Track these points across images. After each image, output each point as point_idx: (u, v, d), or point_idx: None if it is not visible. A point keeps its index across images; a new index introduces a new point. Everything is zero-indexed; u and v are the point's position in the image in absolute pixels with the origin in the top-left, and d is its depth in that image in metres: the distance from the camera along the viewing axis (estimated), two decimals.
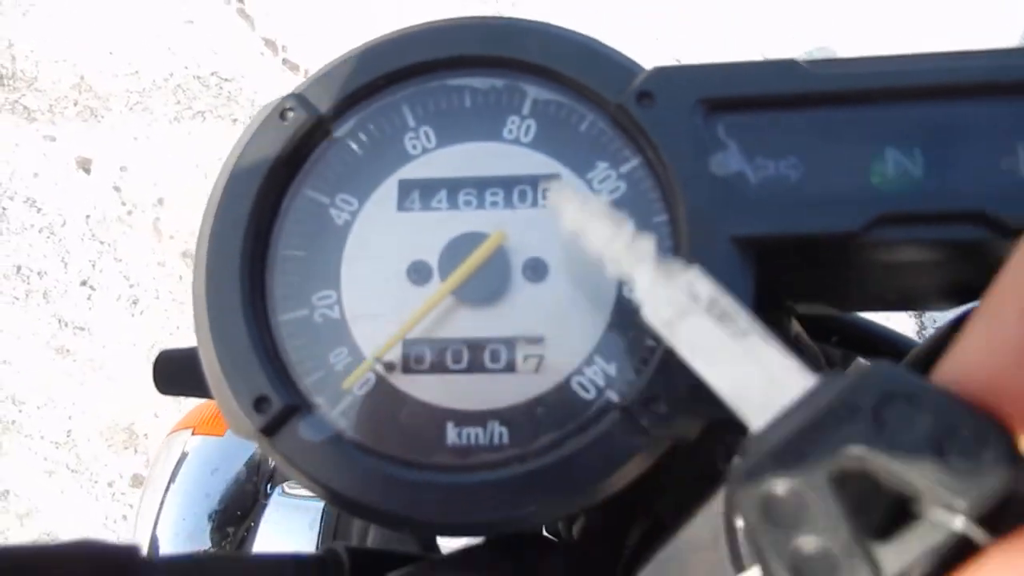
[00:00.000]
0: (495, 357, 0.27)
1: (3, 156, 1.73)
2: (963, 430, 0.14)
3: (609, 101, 0.28)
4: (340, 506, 0.26)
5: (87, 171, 1.74)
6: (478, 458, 0.26)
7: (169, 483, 0.44)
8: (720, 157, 0.26)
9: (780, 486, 0.15)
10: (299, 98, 0.29)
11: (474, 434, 0.26)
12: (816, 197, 0.25)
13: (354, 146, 0.29)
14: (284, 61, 1.79)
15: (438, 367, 0.27)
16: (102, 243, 1.68)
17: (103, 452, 1.52)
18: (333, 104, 0.28)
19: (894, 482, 0.14)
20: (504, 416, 0.26)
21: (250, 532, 0.49)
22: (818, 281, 0.30)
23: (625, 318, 0.26)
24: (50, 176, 1.73)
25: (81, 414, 1.56)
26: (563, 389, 0.26)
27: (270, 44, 1.79)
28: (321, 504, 0.53)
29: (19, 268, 1.66)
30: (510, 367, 0.27)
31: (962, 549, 0.14)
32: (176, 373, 0.35)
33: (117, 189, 1.72)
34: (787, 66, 0.26)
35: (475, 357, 0.27)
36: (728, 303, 0.19)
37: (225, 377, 0.26)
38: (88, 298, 1.66)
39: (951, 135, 0.25)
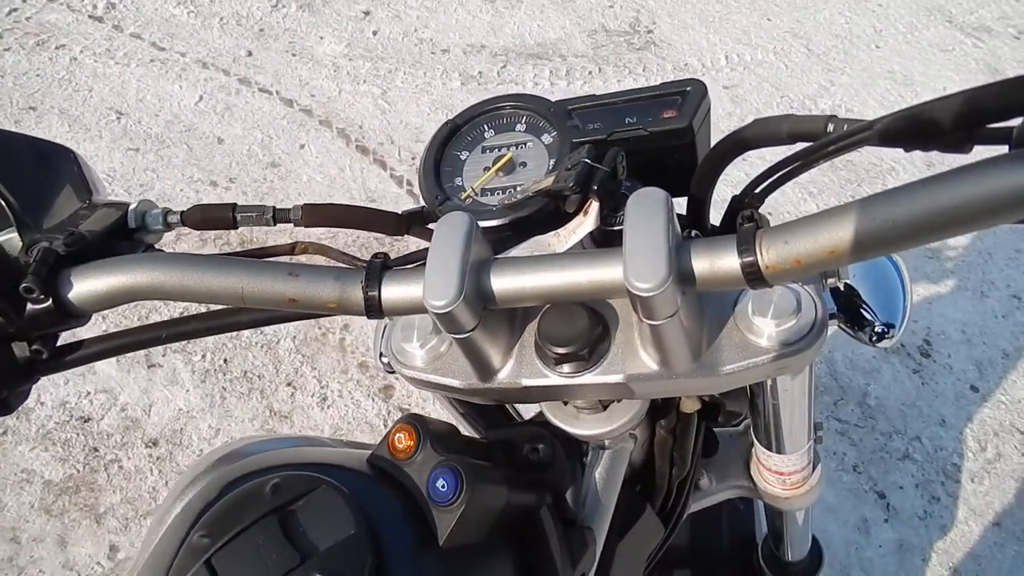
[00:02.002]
0: (512, 192, 0.84)
1: None
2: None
3: (543, 113, 0.87)
4: None
5: None
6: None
7: None
8: (571, 122, 0.84)
9: None
10: (453, 120, 0.89)
11: (504, 212, 0.83)
12: (600, 128, 0.83)
13: (468, 136, 0.89)
14: None
15: (487, 195, 0.85)
16: (303, 356, 2.34)
17: None
18: (463, 121, 0.89)
19: None
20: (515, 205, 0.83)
21: None
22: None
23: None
24: None
25: None
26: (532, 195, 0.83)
27: None
28: None
29: (245, 373, 2.32)
30: (513, 196, 0.84)
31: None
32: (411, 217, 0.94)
33: (317, 319, 2.39)
34: (588, 97, 0.85)
35: (504, 193, 0.84)
36: None
37: (427, 191, 0.84)
38: (291, 395, 2.29)
39: (633, 114, 0.83)
